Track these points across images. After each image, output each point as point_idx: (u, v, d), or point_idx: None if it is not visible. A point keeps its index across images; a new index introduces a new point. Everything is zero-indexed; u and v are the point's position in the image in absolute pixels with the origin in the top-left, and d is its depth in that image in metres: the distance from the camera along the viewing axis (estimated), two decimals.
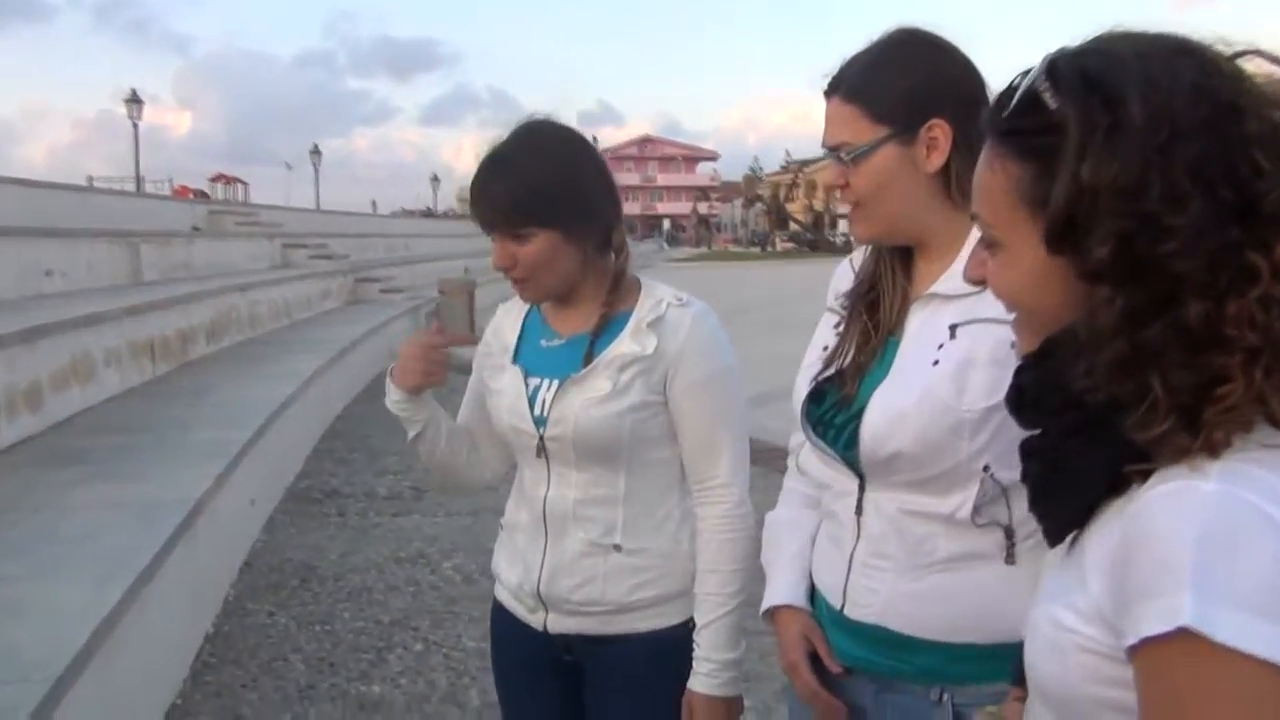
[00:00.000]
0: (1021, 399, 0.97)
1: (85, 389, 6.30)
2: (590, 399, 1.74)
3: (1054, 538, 0.94)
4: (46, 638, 2.85)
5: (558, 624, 1.84)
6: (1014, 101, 0.89)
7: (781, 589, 1.61)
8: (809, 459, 1.60)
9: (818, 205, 75.73)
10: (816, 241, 63.74)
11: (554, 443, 1.78)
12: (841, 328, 1.54)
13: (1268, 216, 0.79)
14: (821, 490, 1.58)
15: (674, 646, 1.79)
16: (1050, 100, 0.86)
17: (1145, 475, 0.83)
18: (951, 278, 1.42)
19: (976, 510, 1.36)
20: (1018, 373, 0.98)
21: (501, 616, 1.95)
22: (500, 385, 1.87)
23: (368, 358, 11.02)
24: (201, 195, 34.54)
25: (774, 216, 68.19)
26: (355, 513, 6.13)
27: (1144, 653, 0.78)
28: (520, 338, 1.89)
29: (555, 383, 1.79)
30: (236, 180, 50.55)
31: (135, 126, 34.50)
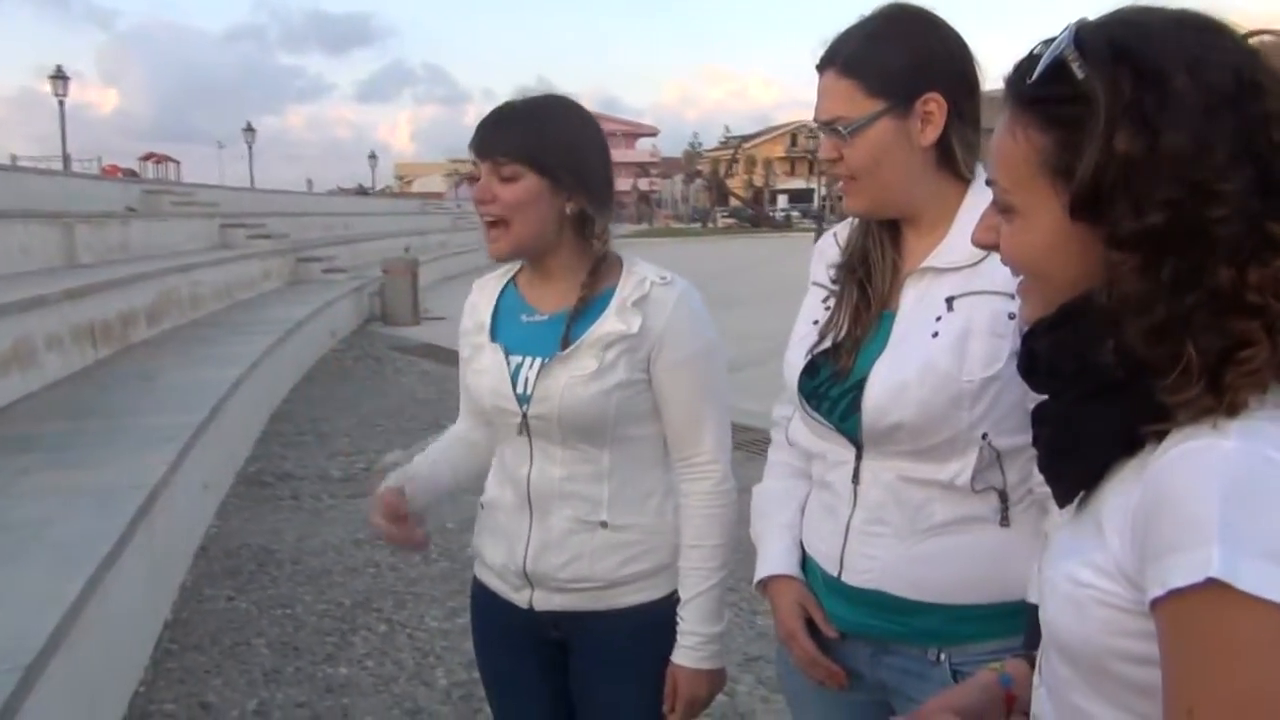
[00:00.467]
0: (1035, 364, 1.01)
1: (26, 374, 6.15)
2: (576, 377, 1.74)
3: (1065, 499, 0.98)
4: (10, 627, 2.80)
5: (544, 601, 1.85)
6: (1039, 70, 0.91)
7: (775, 559, 1.64)
8: (800, 430, 1.63)
9: (757, 181, 76.04)
10: (757, 217, 64.01)
11: (538, 420, 1.78)
12: (832, 302, 1.57)
13: None
14: (813, 461, 1.62)
15: (660, 619, 1.81)
16: (1078, 70, 0.88)
17: (1159, 436, 0.87)
18: (945, 251, 1.46)
19: (975, 476, 1.41)
20: (1028, 338, 1.02)
21: (484, 595, 1.95)
22: (481, 364, 1.85)
23: (313, 339, 10.90)
24: (131, 174, 33.65)
25: (714, 193, 68.32)
26: (309, 495, 6.08)
27: (1170, 604, 0.81)
28: (496, 314, 1.87)
29: (538, 361, 1.78)
30: (168, 159, 49.36)
31: (61, 104, 33.50)
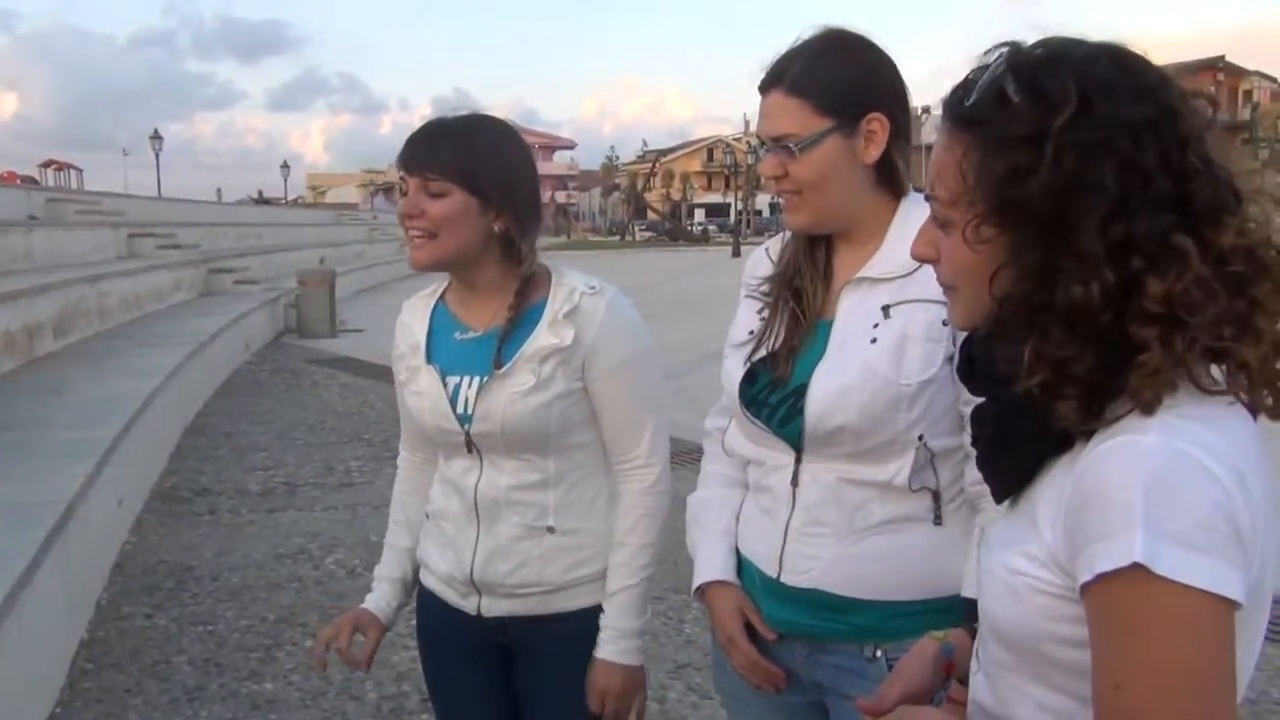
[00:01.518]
0: (973, 369, 1.08)
1: None
2: (514, 393, 1.77)
3: (1002, 495, 1.06)
4: None
5: (492, 607, 1.87)
6: (977, 93, 0.98)
7: (712, 566, 1.69)
8: (736, 438, 1.68)
9: (675, 195, 76.58)
10: (675, 231, 64.46)
11: (482, 438, 1.81)
12: (766, 313, 1.63)
13: (1200, 211, 0.92)
14: (750, 467, 1.67)
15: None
16: (1012, 93, 0.95)
17: (1087, 435, 0.95)
18: (880, 261, 1.53)
19: (912, 476, 1.48)
20: (966, 344, 1.09)
21: (431, 602, 1.96)
22: (419, 387, 1.86)
23: (227, 351, 10.66)
24: (31, 181, 32.47)
25: (632, 206, 68.69)
26: (228, 510, 5.95)
27: (1098, 588, 0.89)
28: (430, 334, 1.88)
29: (476, 379, 1.80)
30: (70, 166, 47.70)
31: None
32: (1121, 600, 0.88)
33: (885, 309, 1.51)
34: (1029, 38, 1.01)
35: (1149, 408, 0.91)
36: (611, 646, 1.82)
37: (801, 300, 1.59)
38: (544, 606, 1.85)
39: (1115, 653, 0.89)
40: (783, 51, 1.55)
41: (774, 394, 1.58)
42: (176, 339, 9.34)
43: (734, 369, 1.64)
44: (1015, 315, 0.98)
